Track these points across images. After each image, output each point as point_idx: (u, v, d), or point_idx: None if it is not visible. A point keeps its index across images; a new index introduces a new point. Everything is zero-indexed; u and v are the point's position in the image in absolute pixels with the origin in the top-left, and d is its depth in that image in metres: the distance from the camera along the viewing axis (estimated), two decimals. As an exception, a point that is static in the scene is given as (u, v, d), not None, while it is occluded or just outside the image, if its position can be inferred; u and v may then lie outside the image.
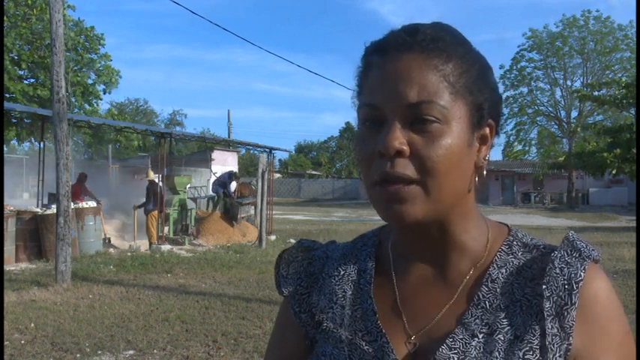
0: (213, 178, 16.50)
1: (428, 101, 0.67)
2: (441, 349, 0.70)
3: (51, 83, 8.56)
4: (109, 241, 12.53)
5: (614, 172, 22.67)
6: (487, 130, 0.74)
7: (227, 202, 14.66)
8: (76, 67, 23.32)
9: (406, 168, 0.67)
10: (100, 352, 5.06)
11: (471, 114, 0.70)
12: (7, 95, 20.92)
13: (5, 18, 20.90)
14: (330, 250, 0.86)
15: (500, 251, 0.76)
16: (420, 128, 0.67)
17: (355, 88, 0.76)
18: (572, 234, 0.75)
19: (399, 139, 0.67)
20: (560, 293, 0.69)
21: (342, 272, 0.82)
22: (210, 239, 13.37)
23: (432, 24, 0.73)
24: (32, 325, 5.84)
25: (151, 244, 12.20)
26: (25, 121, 19.35)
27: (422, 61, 0.68)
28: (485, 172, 0.75)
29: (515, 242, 0.77)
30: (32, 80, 23.15)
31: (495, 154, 41.00)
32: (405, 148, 0.67)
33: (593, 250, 0.73)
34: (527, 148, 39.80)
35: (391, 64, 0.70)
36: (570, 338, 0.68)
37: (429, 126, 0.67)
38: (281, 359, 0.83)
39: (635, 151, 19.94)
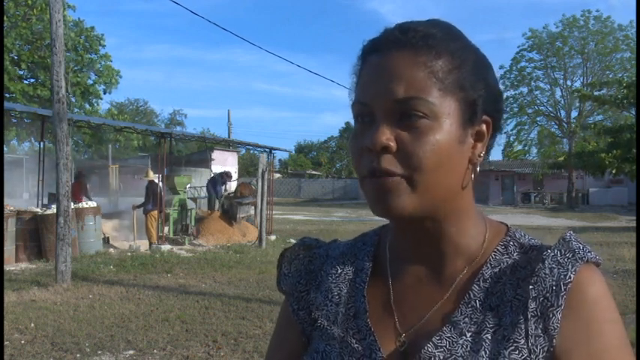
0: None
1: (415, 97, 0.68)
2: (426, 347, 0.70)
3: (51, 83, 8.56)
4: (108, 240, 12.53)
5: (614, 171, 22.66)
6: (483, 126, 0.73)
7: (225, 203, 14.67)
8: (76, 68, 23.34)
9: (392, 164, 0.68)
10: (100, 352, 5.06)
11: (462, 110, 0.70)
12: (7, 95, 20.93)
13: (5, 18, 20.90)
14: (331, 249, 0.87)
15: (495, 251, 0.75)
16: (407, 124, 0.68)
17: (352, 85, 0.77)
18: (570, 234, 0.74)
19: (386, 135, 0.67)
20: (547, 294, 0.68)
21: (339, 271, 0.82)
22: (210, 239, 13.37)
23: (426, 21, 0.74)
24: (32, 325, 5.85)
25: (150, 244, 12.20)
26: (25, 121, 19.34)
27: (410, 58, 0.69)
28: (478, 169, 0.74)
29: (511, 242, 0.76)
30: (32, 80, 23.17)
31: (495, 154, 40.98)
32: (392, 144, 0.68)
33: (589, 251, 0.71)
34: (527, 148, 39.83)
35: (382, 61, 0.70)
36: (554, 341, 0.66)
37: (416, 122, 0.68)
38: (281, 357, 0.84)
39: (635, 151, 19.93)
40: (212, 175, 16.29)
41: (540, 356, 0.67)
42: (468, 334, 0.70)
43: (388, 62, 0.70)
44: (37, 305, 6.72)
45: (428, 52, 0.69)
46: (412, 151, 0.67)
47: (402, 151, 0.68)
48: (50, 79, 9.71)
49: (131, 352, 5.07)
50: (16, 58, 22.02)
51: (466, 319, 0.71)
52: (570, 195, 34.30)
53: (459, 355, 0.69)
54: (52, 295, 7.33)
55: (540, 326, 0.67)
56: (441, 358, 0.70)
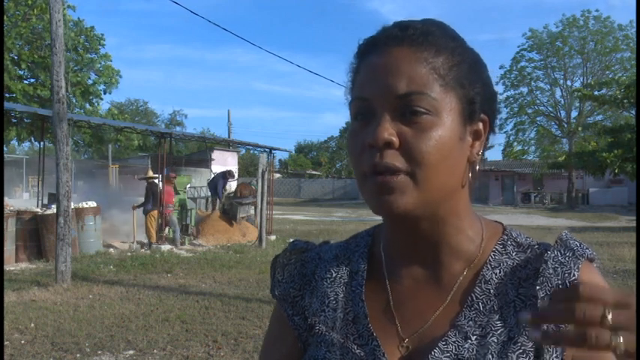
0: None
1: (417, 92, 0.67)
2: (433, 352, 0.70)
3: (51, 83, 8.56)
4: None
5: (616, 170, 22.59)
6: (480, 125, 0.73)
7: (225, 203, 14.67)
8: (76, 67, 23.30)
9: (395, 159, 0.67)
10: (100, 352, 5.06)
11: (462, 107, 0.70)
12: (8, 95, 20.91)
13: (5, 18, 20.89)
14: (323, 252, 0.85)
15: (494, 251, 0.75)
16: (409, 120, 0.67)
17: (348, 84, 0.75)
18: (566, 233, 0.75)
19: (389, 130, 0.67)
20: None
21: (334, 274, 0.81)
22: (210, 239, 13.37)
23: (423, 20, 0.73)
24: (32, 325, 5.84)
25: (150, 244, 12.20)
26: (25, 121, 19.33)
27: (411, 54, 0.69)
28: (478, 168, 0.74)
29: (509, 242, 0.76)
30: (32, 80, 23.14)
31: (495, 154, 40.98)
32: (395, 139, 0.67)
33: (587, 248, 0.72)
34: (527, 148, 39.82)
35: (381, 57, 0.70)
36: None
37: (418, 117, 0.67)
38: None
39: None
40: (212, 175, 16.29)
41: (554, 355, 0.68)
42: (474, 338, 0.70)
43: (389, 58, 0.69)
44: (37, 305, 6.71)
45: (429, 49, 0.69)
46: (415, 146, 0.67)
47: (404, 146, 0.67)
48: (50, 79, 9.70)
49: (131, 352, 5.07)
50: (16, 58, 21.99)
51: (470, 322, 0.71)
52: (570, 195, 34.28)
53: (465, 359, 0.69)
54: (52, 295, 7.33)
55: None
56: None
